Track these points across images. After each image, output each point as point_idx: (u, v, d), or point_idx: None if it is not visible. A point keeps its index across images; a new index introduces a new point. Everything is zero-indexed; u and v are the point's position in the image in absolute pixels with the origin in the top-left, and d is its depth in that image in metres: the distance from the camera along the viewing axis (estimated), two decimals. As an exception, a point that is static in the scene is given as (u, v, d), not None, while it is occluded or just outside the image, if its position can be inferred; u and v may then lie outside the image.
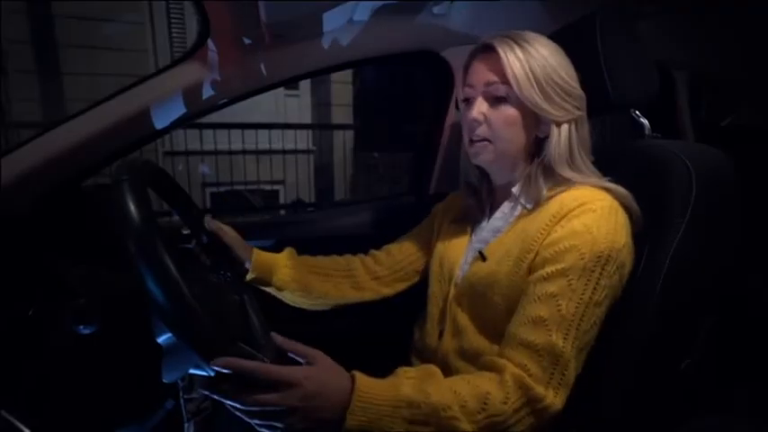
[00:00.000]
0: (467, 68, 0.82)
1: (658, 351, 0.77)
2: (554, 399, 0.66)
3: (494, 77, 0.76)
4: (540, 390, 0.65)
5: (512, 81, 0.74)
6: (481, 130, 0.79)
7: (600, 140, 0.84)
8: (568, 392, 0.68)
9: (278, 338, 0.65)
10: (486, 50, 0.78)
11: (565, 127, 0.77)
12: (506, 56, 0.74)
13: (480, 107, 0.78)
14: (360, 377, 0.63)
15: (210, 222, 0.92)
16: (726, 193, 0.78)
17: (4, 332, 0.73)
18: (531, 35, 0.77)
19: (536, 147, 0.80)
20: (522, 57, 0.74)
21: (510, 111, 0.77)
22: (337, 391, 0.61)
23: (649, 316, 0.74)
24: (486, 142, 0.79)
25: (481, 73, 0.78)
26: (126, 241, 0.54)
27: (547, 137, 0.78)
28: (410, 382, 0.65)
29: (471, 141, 0.81)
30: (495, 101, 0.77)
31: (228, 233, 0.93)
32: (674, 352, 0.80)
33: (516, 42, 0.75)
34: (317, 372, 0.61)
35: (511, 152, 0.80)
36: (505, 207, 0.84)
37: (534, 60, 0.74)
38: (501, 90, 0.76)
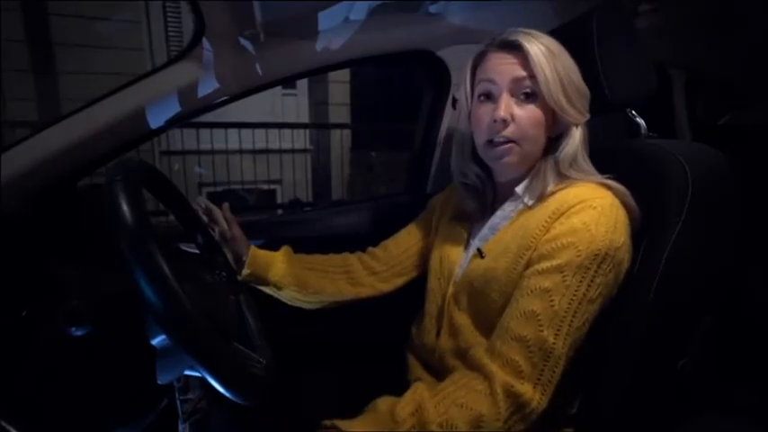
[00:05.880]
0: (477, 65, 0.79)
1: (655, 350, 0.77)
2: (540, 399, 0.67)
3: (522, 73, 0.74)
4: (528, 394, 0.66)
5: (540, 79, 0.72)
6: (509, 131, 0.75)
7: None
8: (554, 390, 0.68)
9: None
10: (509, 46, 0.75)
11: (580, 128, 0.76)
12: (534, 53, 0.72)
13: (509, 106, 0.74)
14: None
15: (202, 201, 0.92)
16: (723, 192, 0.78)
17: (-2, 333, 0.73)
18: (542, 34, 0.75)
19: (547, 146, 0.80)
20: (547, 54, 0.72)
21: (537, 110, 0.75)
22: None
23: (646, 315, 0.74)
24: (512, 144, 0.76)
25: (507, 68, 0.74)
26: (119, 242, 0.54)
27: (558, 137, 0.77)
28: None
29: (492, 143, 0.77)
30: (525, 98, 0.75)
31: (219, 216, 0.94)
32: (671, 351, 0.80)
33: (538, 40, 0.73)
34: None
35: (533, 153, 0.78)
36: (507, 205, 0.83)
37: (557, 60, 0.73)
38: (531, 87, 0.74)
